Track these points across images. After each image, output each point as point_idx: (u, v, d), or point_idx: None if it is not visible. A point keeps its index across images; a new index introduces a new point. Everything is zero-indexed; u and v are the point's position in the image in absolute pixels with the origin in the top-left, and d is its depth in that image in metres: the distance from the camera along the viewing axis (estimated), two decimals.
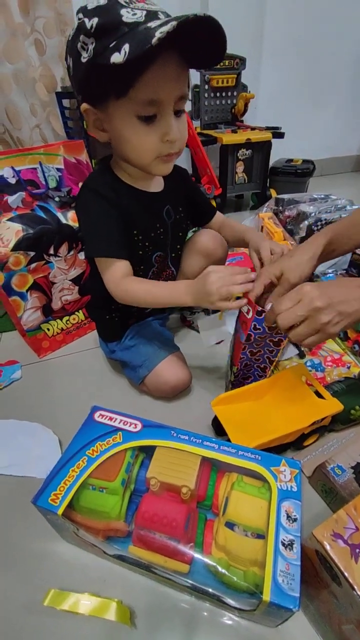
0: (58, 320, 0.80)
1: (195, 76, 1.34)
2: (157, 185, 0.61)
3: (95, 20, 0.40)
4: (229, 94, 1.42)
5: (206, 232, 0.71)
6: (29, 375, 0.75)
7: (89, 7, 0.42)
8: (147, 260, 0.62)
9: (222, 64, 1.33)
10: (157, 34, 0.37)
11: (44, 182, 0.75)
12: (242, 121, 1.50)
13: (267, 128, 1.41)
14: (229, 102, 1.44)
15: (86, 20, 0.41)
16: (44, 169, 0.74)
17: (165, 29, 0.37)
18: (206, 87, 1.36)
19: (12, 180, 0.70)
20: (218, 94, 1.41)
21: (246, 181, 1.44)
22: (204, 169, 1.33)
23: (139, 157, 0.51)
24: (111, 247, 0.54)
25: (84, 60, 0.42)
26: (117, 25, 0.40)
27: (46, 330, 0.79)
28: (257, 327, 0.50)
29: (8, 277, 0.70)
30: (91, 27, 0.40)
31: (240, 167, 1.39)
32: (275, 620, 0.36)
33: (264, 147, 1.37)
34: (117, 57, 0.39)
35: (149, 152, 0.50)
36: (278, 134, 1.37)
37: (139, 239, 0.59)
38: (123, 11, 0.40)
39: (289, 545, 0.34)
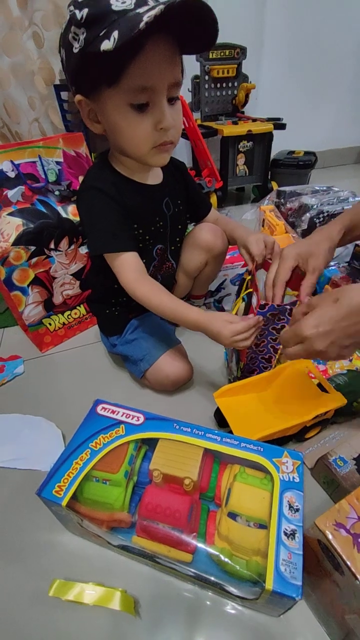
0: (59, 315, 0.80)
1: (195, 67, 1.32)
2: (155, 178, 0.60)
3: (85, 10, 0.40)
4: (230, 84, 1.40)
5: (206, 225, 0.70)
6: (31, 370, 0.75)
7: (79, 0, 0.42)
8: (149, 254, 0.62)
9: (222, 53, 1.31)
10: (145, 18, 0.37)
11: (43, 176, 0.74)
12: (243, 112, 1.48)
13: (269, 119, 1.40)
14: (229, 93, 1.42)
15: (77, 11, 0.41)
16: (44, 162, 0.73)
17: (152, 12, 0.37)
18: (206, 77, 1.34)
19: (12, 174, 0.70)
20: (218, 85, 1.39)
21: (247, 173, 1.42)
22: (205, 162, 1.32)
23: (135, 147, 0.50)
24: (118, 241, 0.54)
25: (75, 51, 0.43)
26: (107, 14, 0.40)
27: (48, 325, 0.79)
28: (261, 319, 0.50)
29: (9, 272, 0.70)
30: (81, 17, 0.40)
31: (241, 160, 1.38)
32: (278, 609, 0.37)
33: (265, 139, 1.35)
34: (106, 44, 0.38)
35: (143, 142, 0.49)
36: (279, 125, 1.35)
37: (139, 233, 0.58)
38: (112, 0, 0.40)
39: (291, 535, 0.34)
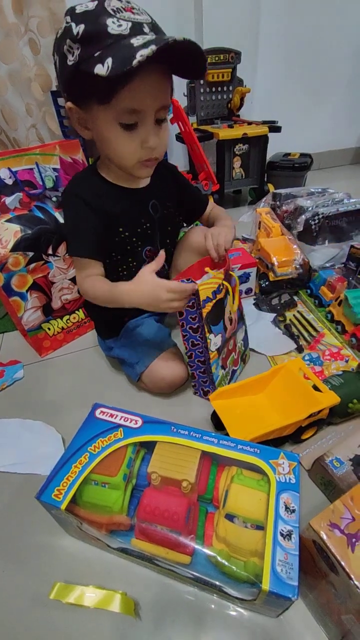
0: (58, 320, 0.81)
1: None
2: (141, 182, 0.61)
3: (81, 27, 0.41)
4: (225, 88, 1.41)
5: (198, 228, 0.71)
6: (31, 374, 0.76)
7: (77, 11, 0.42)
8: (138, 255, 0.63)
9: (217, 58, 1.33)
10: (138, 56, 0.38)
11: (40, 183, 0.75)
12: (238, 116, 1.49)
13: (264, 122, 1.41)
14: (224, 96, 1.44)
15: (73, 25, 0.42)
16: (41, 169, 0.74)
17: (145, 52, 0.38)
18: (201, 82, 1.36)
19: (9, 181, 0.71)
20: (214, 89, 1.40)
21: (243, 176, 1.43)
22: (201, 165, 1.33)
23: (121, 160, 0.53)
24: (83, 248, 0.57)
25: (69, 64, 0.44)
26: (102, 36, 0.41)
27: (47, 330, 0.79)
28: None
29: (8, 277, 0.70)
30: (77, 34, 0.41)
31: (237, 162, 1.39)
32: (276, 610, 0.37)
33: (260, 142, 1.36)
34: (100, 69, 0.40)
35: (129, 157, 0.52)
36: (275, 128, 1.36)
37: (125, 235, 0.60)
38: (109, 21, 0.41)
39: (288, 536, 0.34)
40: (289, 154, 1.52)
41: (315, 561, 0.34)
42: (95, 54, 0.41)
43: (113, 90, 0.44)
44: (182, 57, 0.44)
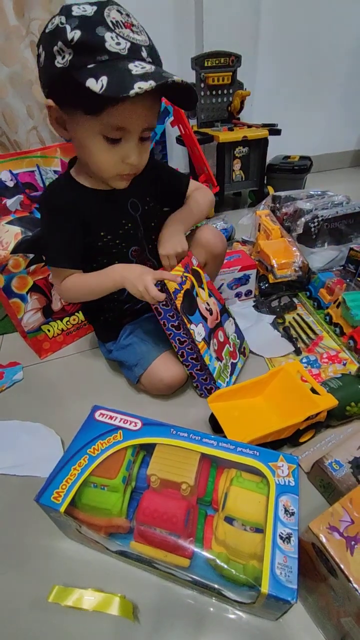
0: (58, 322, 0.81)
1: (191, 75, 1.34)
2: None
3: (77, 33, 0.39)
4: (225, 91, 1.42)
5: (207, 227, 0.72)
6: (30, 376, 0.76)
7: (73, 13, 0.40)
8: (124, 257, 0.62)
9: (217, 61, 1.33)
10: (136, 88, 0.39)
11: (41, 185, 0.75)
12: (238, 119, 1.50)
13: (264, 125, 1.41)
14: (225, 100, 1.44)
15: (68, 27, 0.39)
16: (42, 171, 0.75)
17: (144, 86, 0.39)
18: (202, 85, 1.36)
19: (10, 184, 0.71)
20: (214, 92, 1.41)
21: (243, 179, 1.44)
22: (201, 168, 1.33)
23: (99, 171, 0.52)
24: (61, 258, 0.58)
25: (58, 66, 0.41)
26: (98, 49, 0.40)
27: (46, 332, 0.79)
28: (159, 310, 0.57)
29: (8, 279, 0.70)
30: (72, 39, 0.39)
31: (237, 165, 1.39)
32: (275, 613, 0.37)
33: (260, 144, 1.37)
34: (93, 85, 0.39)
35: (109, 169, 0.51)
36: (275, 130, 1.37)
37: (108, 239, 0.59)
38: (107, 36, 0.40)
39: (287, 539, 0.34)
40: (288, 157, 1.53)
41: (314, 564, 0.34)
42: (89, 66, 0.40)
43: (102, 106, 0.43)
44: (174, 91, 0.45)
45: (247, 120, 1.51)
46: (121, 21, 0.41)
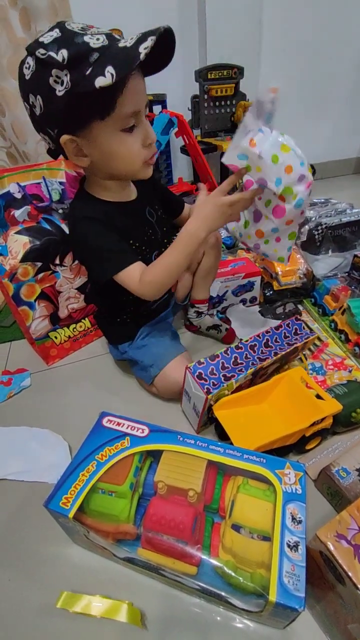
0: (65, 329, 0.82)
1: (194, 87, 1.37)
2: (132, 193, 0.63)
3: (64, 52, 0.40)
4: (228, 102, 1.45)
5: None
6: (38, 382, 0.76)
7: (45, 42, 0.41)
8: (149, 262, 0.63)
9: (220, 74, 1.36)
10: (142, 49, 0.40)
11: (48, 196, 0.77)
12: None
13: None
14: (228, 110, 1.47)
15: (52, 54, 0.41)
16: (47, 183, 0.77)
17: (147, 44, 0.40)
18: (205, 96, 1.39)
19: (18, 196, 0.73)
20: (217, 103, 1.43)
21: None
22: (205, 177, 1.35)
23: (129, 165, 0.53)
24: (121, 260, 0.56)
25: (60, 94, 0.43)
26: (88, 53, 0.41)
27: (54, 339, 0.81)
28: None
29: (17, 287, 0.72)
30: (63, 59, 0.41)
31: None
32: (283, 621, 0.37)
33: None
34: (103, 81, 0.40)
35: (136, 159, 0.53)
36: None
37: (136, 247, 0.61)
38: (86, 38, 0.42)
39: (294, 547, 0.34)
40: None
41: (322, 572, 0.34)
42: (88, 72, 0.41)
43: (114, 98, 0.45)
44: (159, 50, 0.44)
45: None
46: (85, 26, 0.44)
